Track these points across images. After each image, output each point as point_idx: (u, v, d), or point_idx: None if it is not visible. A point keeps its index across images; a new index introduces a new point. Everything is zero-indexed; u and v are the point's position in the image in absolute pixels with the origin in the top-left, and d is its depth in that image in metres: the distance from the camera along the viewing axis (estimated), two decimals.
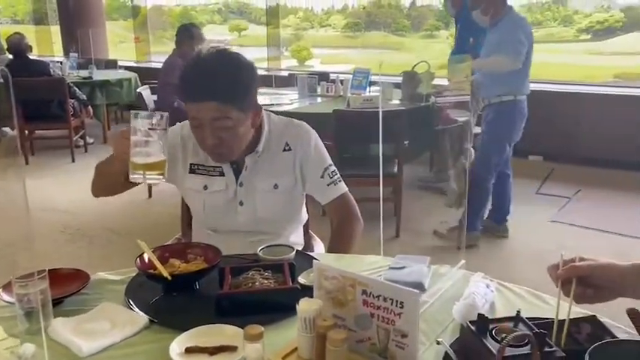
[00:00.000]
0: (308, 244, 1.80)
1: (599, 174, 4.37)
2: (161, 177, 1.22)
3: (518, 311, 0.98)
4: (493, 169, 3.27)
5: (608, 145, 4.63)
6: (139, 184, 1.28)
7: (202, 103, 1.36)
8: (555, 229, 3.48)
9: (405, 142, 3.35)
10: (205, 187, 1.53)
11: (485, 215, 3.44)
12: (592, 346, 0.85)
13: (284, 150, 1.55)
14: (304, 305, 0.94)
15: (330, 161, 1.61)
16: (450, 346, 0.96)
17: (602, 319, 1.03)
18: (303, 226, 1.76)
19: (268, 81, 4.82)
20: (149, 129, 1.18)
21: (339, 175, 1.61)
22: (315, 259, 1.29)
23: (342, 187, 1.61)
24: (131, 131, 1.18)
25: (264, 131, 1.53)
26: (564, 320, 0.97)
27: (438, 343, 0.98)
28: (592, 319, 1.02)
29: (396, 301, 0.91)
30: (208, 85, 1.35)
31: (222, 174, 1.53)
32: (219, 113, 1.36)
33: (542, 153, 4.89)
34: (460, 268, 1.29)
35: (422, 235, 3.43)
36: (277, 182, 1.54)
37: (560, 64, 10.62)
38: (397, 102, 3.84)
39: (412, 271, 1.24)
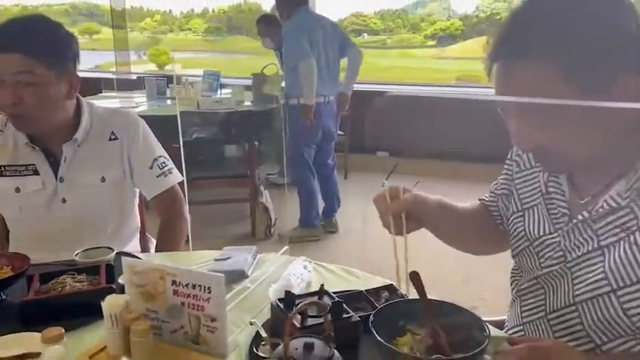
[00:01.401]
0: (145, 248, 1.76)
1: (436, 166, 4.83)
2: None
3: (322, 285, 1.06)
4: (306, 169, 3.47)
5: (445, 140, 5.12)
6: None
7: (4, 54, 1.27)
8: None
9: (256, 143, 3.41)
10: (18, 190, 1.42)
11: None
12: (378, 307, 0.96)
13: (110, 139, 1.50)
14: (109, 301, 0.92)
15: (161, 152, 1.58)
16: (262, 325, 1.02)
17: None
18: (140, 230, 1.72)
19: (112, 85, 4.59)
20: None
21: (171, 166, 1.59)
22: (138, 258, 1.27)
23: (173, 179, 1.58)
24: None
25: (83, 118, 1.47)
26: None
27: (251, 324, 1.03)
28: (390, 287, 1.14)
29: (204, 287, 0.94)
30: (11, 36, 1.28)
31: (36, 172, 1.43)
32: (22, 67, 1.28)
33: (389, 149, 5.28)
34: (284, 254, 1.36)
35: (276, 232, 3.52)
36: (104, 174, 1.48)
37: (412, 67, 11.51)
38: (249, 103, 3.89)
39: (236, 261, 1.28)
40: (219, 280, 0.93)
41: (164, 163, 1.57)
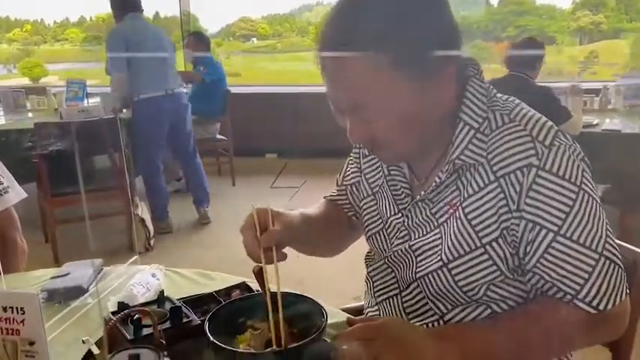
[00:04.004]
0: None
1: (324, 164, 4.86)
2: None
3: (162, 292, 1.00)
4: (153, 166, 3.51)
5: (332, 137, 5.19)
6: None
7: None
8: None
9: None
10: None
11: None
12: (215, 308, 0.91)
13: None
14: None
15: None
16: (97, 342, 0.93)
17: (251, 283, 1.11)
18: None
19: None
20: None
21: (6, 185, 1.43)
22: None
23: (7, 200, 1.43)
24: None
25: None
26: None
27: (84, 342, 0.94)
28: (242, 285, 1.11)
29: (16, 308, 0.84)
30: None
31: None
32: None
33: (277, 150, 5.27)
34: (133, 264, 1.27)
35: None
36: None
37: (303, 70, 11.65)
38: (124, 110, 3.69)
39: (74, 277, 1.17)
40: (32, 298, 0.84)
41: None
